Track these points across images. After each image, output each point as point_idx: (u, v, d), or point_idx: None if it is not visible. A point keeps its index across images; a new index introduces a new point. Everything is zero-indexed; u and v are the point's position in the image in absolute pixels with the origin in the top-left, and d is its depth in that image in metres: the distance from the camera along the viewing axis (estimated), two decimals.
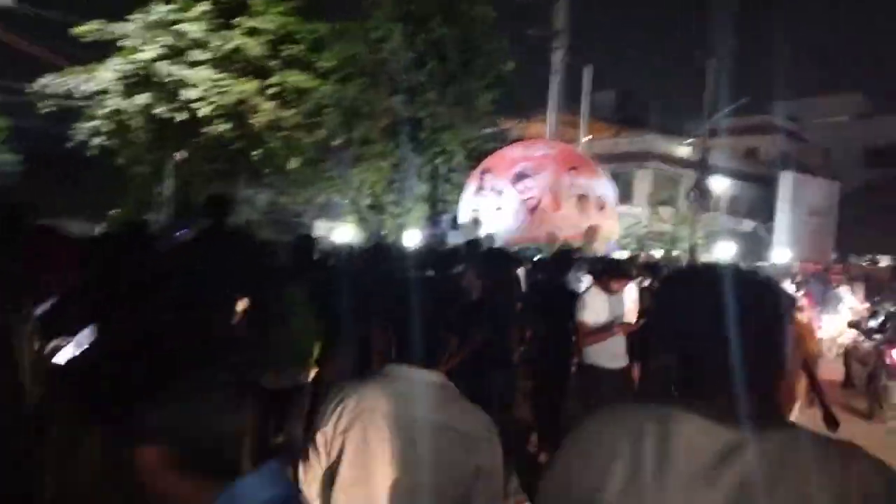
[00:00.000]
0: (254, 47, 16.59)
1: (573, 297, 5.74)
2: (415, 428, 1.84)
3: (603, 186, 14.20)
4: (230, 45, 16.03)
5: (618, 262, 6.86)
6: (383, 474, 1.83)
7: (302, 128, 16.28)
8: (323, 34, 16.82)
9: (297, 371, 4.96)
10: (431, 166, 16.75)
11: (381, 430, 1.84)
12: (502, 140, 16.60)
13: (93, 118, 16.03)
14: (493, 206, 15.04)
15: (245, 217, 25.73)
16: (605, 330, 5.42)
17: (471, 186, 15.58)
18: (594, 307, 5.49)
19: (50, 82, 15.28)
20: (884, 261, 25.93)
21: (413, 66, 14.80)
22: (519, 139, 17.31)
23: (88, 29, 16.12)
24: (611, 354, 5.45)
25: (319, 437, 1.89)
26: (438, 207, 17.14)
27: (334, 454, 1.88)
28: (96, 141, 16.40)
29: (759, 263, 23.40)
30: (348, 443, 1.86)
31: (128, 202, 33.26)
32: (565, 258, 6.89)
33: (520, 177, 14.85)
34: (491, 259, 6.09)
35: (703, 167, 18.73)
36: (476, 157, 16.72)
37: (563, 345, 5.80)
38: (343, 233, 22.44)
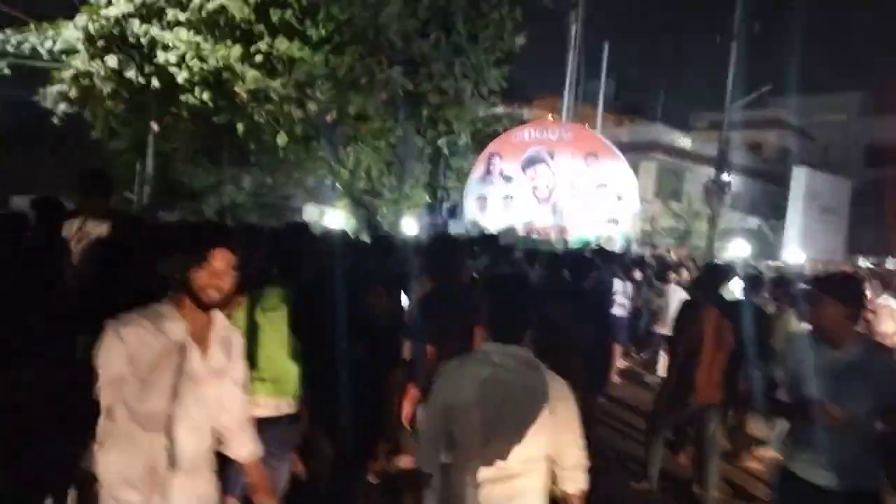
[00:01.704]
0: (238, 9, 14.94)
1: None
2: (510, 388, 2.40)
3: (624, 175, 12.86)
4: (212, 5, 14.40)
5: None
6: (488, 423, 2.39)
7: (290, 100, 14.71)
8: None
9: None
10: (432, 148, 15.29)
11: (483, 391, 2.41)
12: (513, 121, 15.14)
13: (59, 82, 14.41)
14: (501, 194, 13.68)
15: (230, 200, 24.19)
16: None
17: (476, 171, 14.20)
18: None
19: (8, 39, 13.60)
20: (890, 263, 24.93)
21: (415, 36, 13.28)
22: (525, 122, 15.88)
23: None
24: None
25: (435, 403, 2.53)
26: (439, 194, 15.72)
27: (450, 415, 2.46)
28: (62, 107, 14.76)
29: (772, 263, 22.24)
30: (460, 402, 2.43)
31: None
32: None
33: (531, 162, 13.49)
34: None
35: (721, 160, 17.39)
36: (481, 139, 15.31)
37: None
38: (334, 219, 20.97)
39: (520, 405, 2.38)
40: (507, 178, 13.59)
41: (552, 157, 13.32)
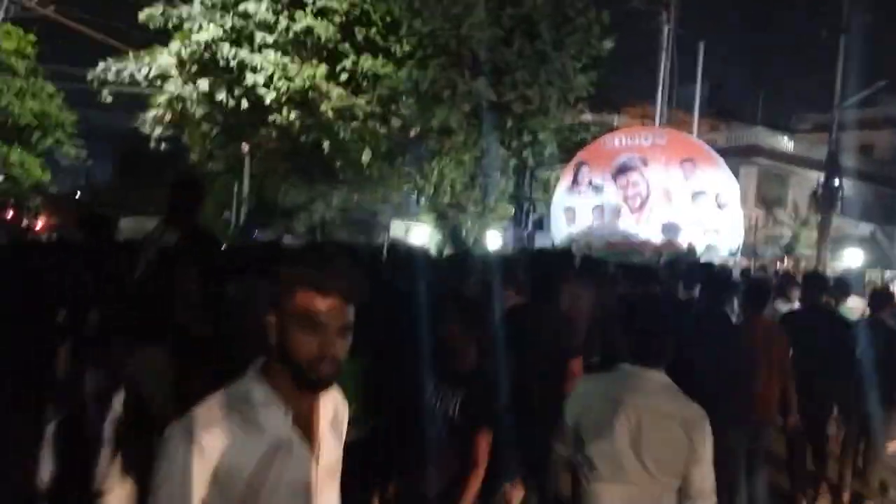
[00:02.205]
0: (324, 29, 15.17)
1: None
2: (647, 412, 2.37)
3: (725, 182, 12.04)
4: (298, 27, 14.66)
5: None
6: (622, 447, 2.37)
7: (375, 117, 14.75)
8: (398, 15, 15.27)
9: None
10: (517, 159, 14.90)
11: (619, 414, 2.37)
12: (601, 129, 14.57)
13: (155, 107, 15.00)
14: (590, 204, 13.11)
15: (320, 217, 24.61)
16: None
17: (564, 181, 13.68)
18: None
19: (109, 68, 14.26)
20: None
21: (499, 44, 12.98)
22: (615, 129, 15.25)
23: (152, 14, 15.18)
24: None
25: (567, 419, 2.56)
26: (524, 206, 15.29)
27: (580, 433, 2.50)
28: (158, 131, 15.36)
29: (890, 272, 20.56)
30: (593, 423, 2.45)
31: (207, 202, 33.14)
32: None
33: (623, 170, 12.85)
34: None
35: (830, 163, 16.14)
36: (568, 148, 14.81)
37: None
38: (420, 233, 20.88)
39: (657, 430, 2.35)
40: (597, 188, 13.00)
41: (645, 164, 12.65)
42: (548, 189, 16.30)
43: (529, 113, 12.64)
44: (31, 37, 20.25)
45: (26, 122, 20.89)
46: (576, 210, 13.31)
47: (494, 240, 16.09)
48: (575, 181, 13.35)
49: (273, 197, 27.91)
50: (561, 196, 13.57)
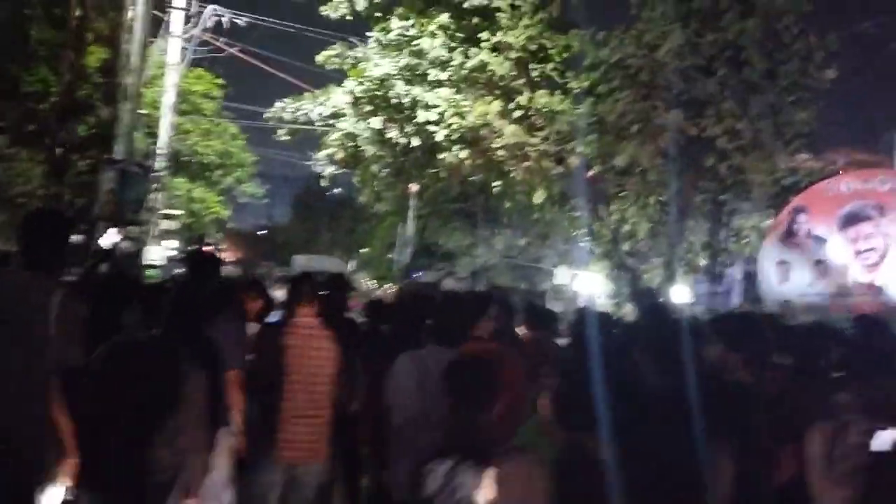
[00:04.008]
0: (499, 65, 14.41)
1: None
2: None
3: None
4: (472, 63, 13.99)
5: None
6: None
7: (549, 156, 13.65)
8: (579, 49, 14.19)
9: None
10: (712, 204, 13.10)
11: None
12: (823, 172, 12.45)
13: (327, 145, 14.91)
14: (809, 260, 11.03)
15: (481, 262, 23.79)
16: None
17: (775, 231, 11.70)
18: None
19: (286, 107, 14.34)
20: None
21: (698, 75, 11.42)
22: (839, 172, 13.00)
23: (329, 55, 15.22)
24: None
25: None
26: (719, 258, 13.39)
27: None
28: (329, 170, 15.25)
29: None
30: None
31: (373, 242, 33.76)
32: None
33: (852, 219, 10.68)
34: None
35: None
36: (776, 193, 12.79)
37: None
38: (587, 283, 19.31)
39: None
40: (819, 240, 10.92)
41: (881, 213, 10.46)
42: (742, 239, 14.29)
43: (738, 150, 10.90)
44: (219, 80, 21.38)
45: (209, 161, 21.98)
46: (790, 264, 11.27)
47: (682, 295, 14.26)
48: (790, 231, 11.34)
49: (436, 239, 27.60)
50: (772, 248, 11.59)
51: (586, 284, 19.00)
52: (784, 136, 11.11)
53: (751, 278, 14.35)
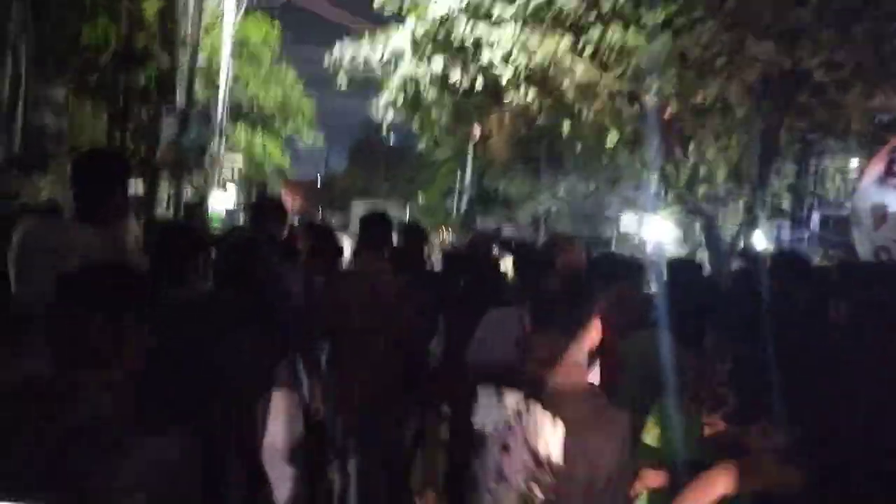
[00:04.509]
0: (569, 0, 13.54)
1: None
2: None
3: None
4: None
5: None
6: None
7: (623, 95, 12.89)
8: None
9: None
10: (800, 143, 12.17)
11: None
12: None
13: (386, 89, 14.43)
14: None
15: (545, 207, 23.14)
16: None
17: (872, 172, 10.79)
18: None
19: (344, 51, 13.86)
20: None
21: (791, 1, 10.42)
22: None
23: None
24: None
25: None
26: (806, 202, 12.52)
27: None
28: (390, 116, 14.81)
29: None
30: None
31: (431, 189, 33.46)
32: None
33: None
34: None
35: None
36: (872, 133, 11.80)
37: None
38: (655, 229, 18.54)
39: None
40: None
41: None
42: (835, 182, 13.33)
43: (836, 83, 9.94)
44: (277, 25, 21.01)
45: (269, 110, 21.81)
46: (888, 209, 10.40)
47: (760, 242, 13.49)
48: (889, 172, 10.43)
49: (495, 185, 27.01)
50: (868, 190, 10.70)
51: (655, 231, 18.23)
52: (889, 68, 10.08)
53: (838, 223, 13.49)
